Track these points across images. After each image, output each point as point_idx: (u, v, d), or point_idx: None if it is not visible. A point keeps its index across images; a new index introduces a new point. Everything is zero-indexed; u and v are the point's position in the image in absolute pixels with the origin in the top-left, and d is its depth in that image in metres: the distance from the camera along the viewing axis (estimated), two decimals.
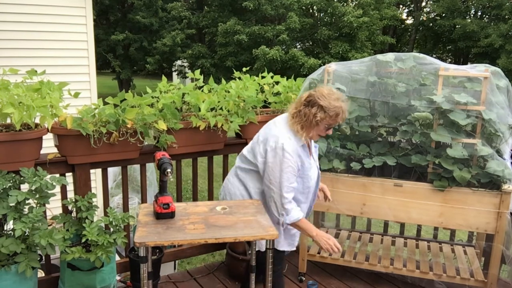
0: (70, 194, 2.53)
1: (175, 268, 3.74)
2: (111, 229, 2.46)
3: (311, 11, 19.74)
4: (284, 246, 2.43)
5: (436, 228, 3.32)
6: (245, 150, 2.40)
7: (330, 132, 2.26)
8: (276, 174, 2.15)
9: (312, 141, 2.38)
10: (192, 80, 3.28)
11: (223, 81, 3.12)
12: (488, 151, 2.53)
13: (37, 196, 2.22)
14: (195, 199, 3.11)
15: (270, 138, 2.20)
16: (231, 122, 2.83)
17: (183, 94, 2.85)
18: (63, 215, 2.47)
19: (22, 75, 2.34)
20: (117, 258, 2.88)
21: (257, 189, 2.31)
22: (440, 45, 24.14)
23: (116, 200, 5.19)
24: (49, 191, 2.24)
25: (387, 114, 2.79)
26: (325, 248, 2.19)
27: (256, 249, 2.31)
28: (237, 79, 3.19)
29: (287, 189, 2.16)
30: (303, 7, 18.74)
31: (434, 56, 17.33)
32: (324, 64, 3.93)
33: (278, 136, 2.18)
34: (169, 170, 1.90)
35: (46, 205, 2.33)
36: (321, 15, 19.44)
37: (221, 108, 2.90)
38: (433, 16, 23.54)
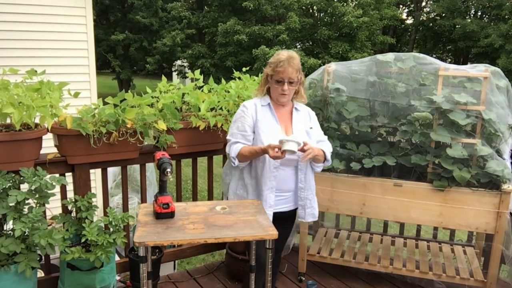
0: (70, 194, 2.53)
1: (174, 268, 3.74)
2: (111, 229, 2.46)
3: (311, 11, 19.75)
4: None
5: (435, 228, 3.32)
6: None
7: (285, 87, 2.23)
8: (231, 125, 2.34)
9: (305, 118, 2.37)
10: (192, 80, 3.28)
11: (223, 81, 3.12)
12: (488, 151, 2.53)
13: (37, 196, 2.22)
14: (195, 199, 3.11)
15: None
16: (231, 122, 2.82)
17: (183, 94, 2.85)
18: (62, 215, 2.47)
19: (22, 75, 2.34)
20: (117, 258, 2.88)
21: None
22: (440, 45, 24.14)
23: (116, 200, 5.19)
24: (49, 191, 2.24)
25: (387, 114, 2.79)
26: (272, 156, 2.12)
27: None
28: (237, 79, 3.19)
29: (235, 135, 2.28)
30: (303, 7, 18.75)
31: (434, 56, 17.35)
32: (324, 64, 3.93)
33: None
34: (168, 170, 1.90)
35: (46, 205, 2.33)
36: (321, 15, 19.44)
37: (221, 108, 2.90)
38: (433, 16, 23.54)
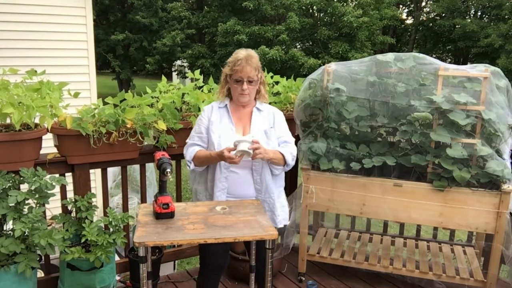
0: (70, 194, 2.53)
1: (174, 268, 3.74)
2: (111, 229, 2.46)
3: (311, 11, 19.74)
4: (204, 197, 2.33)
5: (435, 228, 3.32)
6: None
7: (245, 86, 2.18)
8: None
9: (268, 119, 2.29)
10: (192, 80, 3.28)
11: None
12: (488, 151, 2.53)
13: (37, 196, 2.22)
14: None
15: None
16: None
17: (183, 94, 2.85)
18: (62, 215, 2.47)
19: (22, 75, 2.34)
20: (117, 258, 2.88)
21: None
22: (440, 45, 24.14)
23: (116, 200, 5.19)
24: (49, 191, 2.24)
25: (387, 114, 2.79)
26: (227, 158, 2.08)
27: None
28: None
29: (192, 138, 2.30)
30: (303, 7, 18.74)
31: (434, 56, 17.33)
32: (324, 64, 3.93)
33: None
34: (168, 170, 1.90)
35: (46, 205, 2.33)
36: (321, 15, 19.44)
37: None
38: (433, 16, 23.55)
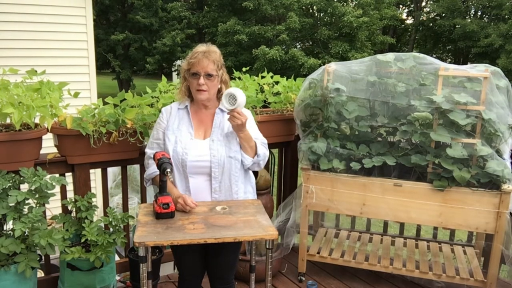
0: (70, 194, 2.53)
1: (174, 268, 3.73)
2: (111, 229, 2.46)
3: (311, 11, 19.75)
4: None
5: (435, 228, 3.32)
6: None
7: (201, 80, 1.99)
8: None
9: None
10: None
11: None
12: (488, 151, 2.53)
13: (37, 196, 2.22)
14: None
15: None
16: None
17: None
18: (62, 215, 2.47)
19: (22, 75, 2.34)
20: (117, 258, 2.88)
21: None
22: (440, 45, 24.14)
23: (116, 200, 5.20)
24: (49, 191, 2.24)
25: (387, 114, 2.79)
26: (180, 207, 1.99)
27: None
28: (237, 79, 3.19)
29: (150, 145, 2.14)
30: (303, 7, 18.76)
31: (434, 56, 17.31)
32: (324, 64, 3.93)
33: None
34: (168, 170, 1.90)
35: (46, 205, 2.33)
36: (321, 15, 19.45)
37: None
38: (433, 16, 23.55)
